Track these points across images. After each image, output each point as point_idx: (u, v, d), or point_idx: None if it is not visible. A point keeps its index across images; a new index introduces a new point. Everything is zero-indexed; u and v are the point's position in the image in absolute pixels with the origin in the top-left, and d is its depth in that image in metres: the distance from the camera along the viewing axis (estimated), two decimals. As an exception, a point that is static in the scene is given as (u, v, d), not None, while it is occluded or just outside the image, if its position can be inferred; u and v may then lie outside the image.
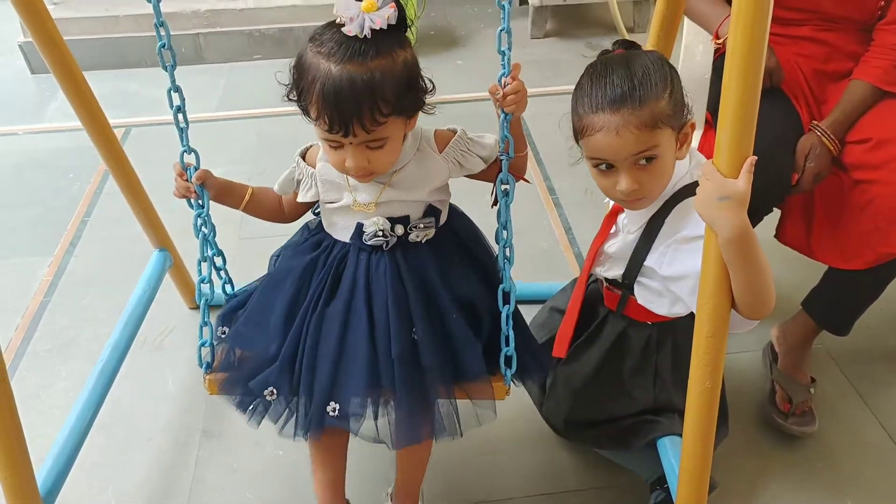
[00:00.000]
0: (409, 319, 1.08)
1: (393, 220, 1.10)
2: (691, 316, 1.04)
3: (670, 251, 1.12)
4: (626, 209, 1.19)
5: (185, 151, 1.13)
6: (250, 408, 1.14)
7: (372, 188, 1.09)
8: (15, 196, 2.38)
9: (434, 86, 1.07)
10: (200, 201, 1.14)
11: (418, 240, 1.12)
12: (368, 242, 1.10)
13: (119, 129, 2.64)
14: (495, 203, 1.12)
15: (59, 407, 1.66)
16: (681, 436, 1.13)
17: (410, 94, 1.01)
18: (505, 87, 1.01)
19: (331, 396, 1.07)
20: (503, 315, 1.11)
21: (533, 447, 1.54)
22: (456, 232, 1.19)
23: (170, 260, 1.74)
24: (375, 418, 1.10)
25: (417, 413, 1.10)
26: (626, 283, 1.21)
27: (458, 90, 2.73)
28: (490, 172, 1.14)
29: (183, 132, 1.12)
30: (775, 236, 1.53)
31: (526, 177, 1.15)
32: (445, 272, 1.12)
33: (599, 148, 1.06)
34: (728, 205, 0.88)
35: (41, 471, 1.25)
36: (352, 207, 1.10)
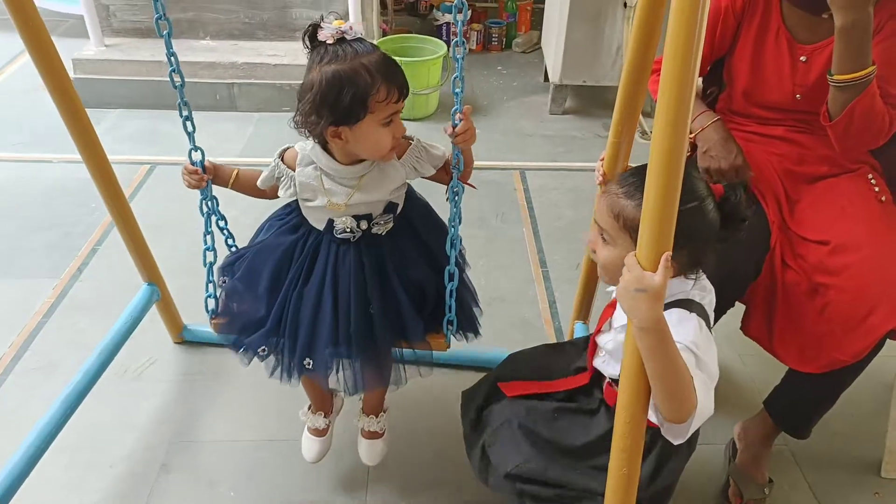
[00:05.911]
0: (367, 300, 1.32)
1: (358, 218, 1.30)
2: None
3: None
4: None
5: (193, 149, 1.37)
6: (241, 350, 1.39)
7: (343, 191, 1.28)
8: (38, 220, 2.51)
9: None
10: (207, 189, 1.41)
11: (380, 232, 1.32)
12: (338, 236, 1.30)
13: (145, 166, 2.78)
14: (448, 199, 1.33)
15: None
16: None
17: None
18: (455, 126, 1.22)
19: (306, 354, 1.34)
20: (447, 290, 1.36)
21: None
22: (413, 224, 1.37)
23: (157, 294, 1.82)
24: (337, 372, 1.39)
25: (367, 370, 1.38)
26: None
27: (475, 157, 2.77)
28: (438, 176, 1.36)
29: (191, 136, 1.37)
30: (741, 328, 1.53)
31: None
32: (399, 261, 1.34)
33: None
34: (644, 297, 0.92)
35: (-9, 485, 1.31)
36: (325, 207, 1.28)
